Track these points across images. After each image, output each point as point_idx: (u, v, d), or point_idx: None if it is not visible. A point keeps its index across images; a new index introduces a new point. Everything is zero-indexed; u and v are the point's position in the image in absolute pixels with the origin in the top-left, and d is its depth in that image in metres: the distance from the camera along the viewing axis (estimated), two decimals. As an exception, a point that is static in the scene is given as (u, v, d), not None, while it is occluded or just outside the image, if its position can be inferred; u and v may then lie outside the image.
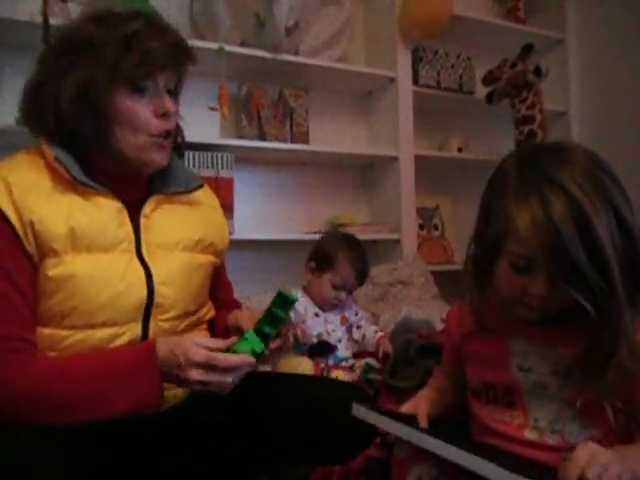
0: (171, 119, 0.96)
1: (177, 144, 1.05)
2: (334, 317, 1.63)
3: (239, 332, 0.94)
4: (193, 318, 1.03)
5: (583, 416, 0.76)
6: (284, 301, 0.90)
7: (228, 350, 0.86)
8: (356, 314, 1.70)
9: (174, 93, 0.98)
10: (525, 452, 0.77)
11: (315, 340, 1.56)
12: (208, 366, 0.83)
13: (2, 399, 0.79)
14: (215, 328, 1.09)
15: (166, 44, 0.92)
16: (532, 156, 0.77)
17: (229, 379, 0.84)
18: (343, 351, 1.59)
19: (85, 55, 0.88)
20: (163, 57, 0.92)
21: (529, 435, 0.79)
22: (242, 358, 0.85)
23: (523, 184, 0.73)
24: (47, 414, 0.80)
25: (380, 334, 1.64)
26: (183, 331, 1.00)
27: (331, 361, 1.54)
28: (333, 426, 0.95)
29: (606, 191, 0.70)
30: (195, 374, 0.82)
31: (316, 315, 1.60)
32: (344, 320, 1.64)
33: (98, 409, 0.82)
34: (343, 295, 1.60)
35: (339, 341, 1.60)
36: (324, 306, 1.62)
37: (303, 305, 1.60)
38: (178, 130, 1.04)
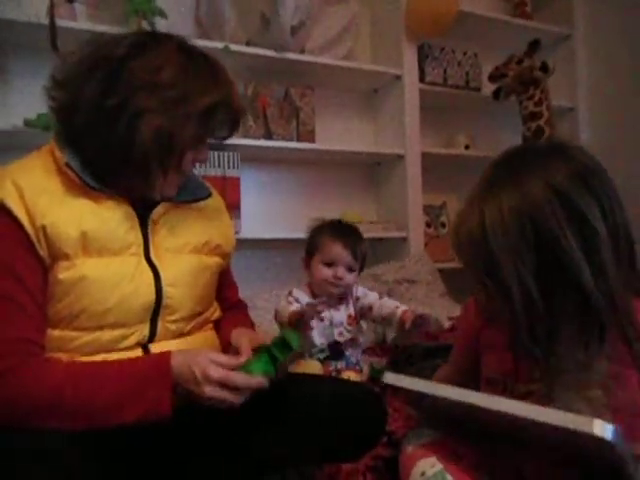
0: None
1: None
2: (339, 316, 1.53)
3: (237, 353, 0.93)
4: (200, 319, 1.03)
5: (602, 406, 0.76)
6: (284, 345, 0.89)
7: (242, 368, 0.86)
8: (357, 299, 1.57)
9: None
10: None
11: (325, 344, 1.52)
12: (224, 384, 0.83)
13: (9, 402, 0.79)
14: (221, 328, 1.09)
15: (232, 119, 0.99)
16: (515, 157, 0.80)
17: (241, 399, 0.84)
18: (357, 355, 1.55)
19: (169, 109, 0.89)
20: (225, 132, 1.01)
21: None
22: (257, 380, 0.85)
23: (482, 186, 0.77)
24: (51, 420, 0.79)
25: (402, 309, 1.49)
26: (190, 332, 1.01)
27: (342, 364, 1.51)
28: (342, 425, 0.95)
29: (572, 197, 0.72)
30: (210, 390, 0.82)
31: (321, 320, 1.50)
32: (351, 320, 1.55)
33: (109, 418, 0.82)
34: (340, 272, 1.49)
35: (352, 341, 1.54)
36: (326, 295, 1.51)
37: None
38: None
